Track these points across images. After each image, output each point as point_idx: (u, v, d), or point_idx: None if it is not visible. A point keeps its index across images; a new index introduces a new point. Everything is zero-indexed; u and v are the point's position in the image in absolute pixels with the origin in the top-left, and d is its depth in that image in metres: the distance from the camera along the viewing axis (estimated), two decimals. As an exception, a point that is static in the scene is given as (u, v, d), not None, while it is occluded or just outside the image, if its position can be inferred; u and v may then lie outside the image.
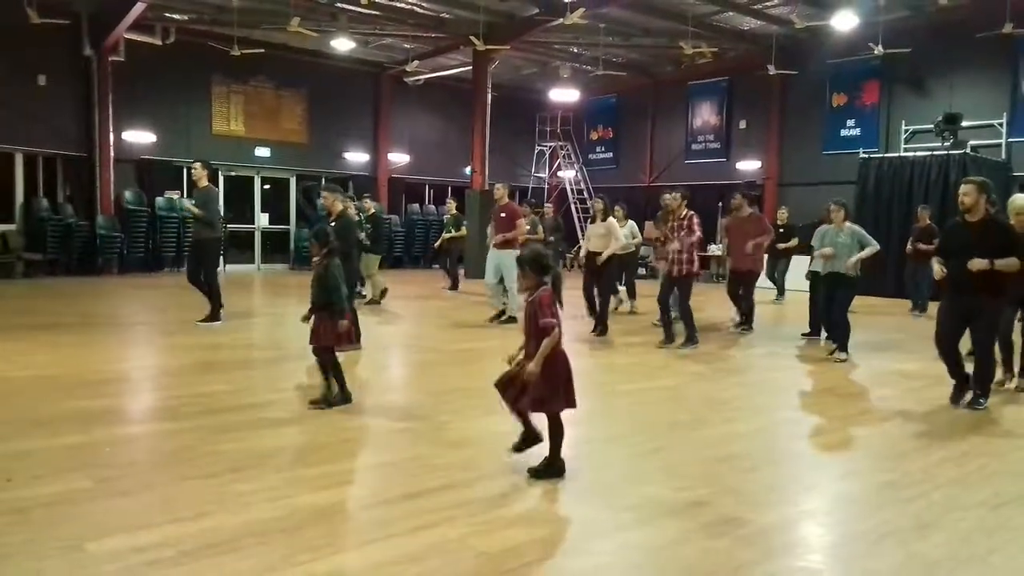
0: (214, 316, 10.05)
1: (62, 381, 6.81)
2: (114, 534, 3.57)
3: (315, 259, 6.11)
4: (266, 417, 5.72)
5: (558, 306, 4.38)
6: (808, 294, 10.19)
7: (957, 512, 4.15)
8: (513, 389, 4.43)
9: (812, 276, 9.69)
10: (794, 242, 13.64)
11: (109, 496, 4.07)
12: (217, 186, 19.48)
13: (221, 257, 18.89)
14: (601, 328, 10.07)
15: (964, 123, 15.99)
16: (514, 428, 4.56)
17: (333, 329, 5.87)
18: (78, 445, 4.91)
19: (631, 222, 12.23)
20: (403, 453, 4.99)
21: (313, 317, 5.94)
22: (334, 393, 5.98)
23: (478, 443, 4.72)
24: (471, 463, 4.53)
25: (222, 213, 9.59)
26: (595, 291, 10.33)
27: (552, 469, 4.44)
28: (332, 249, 6.05)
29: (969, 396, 6.53)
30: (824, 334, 9.61)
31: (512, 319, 10.58)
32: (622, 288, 12.71)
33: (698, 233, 9.19)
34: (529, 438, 4.50)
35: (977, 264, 6.04)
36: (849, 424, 6.16)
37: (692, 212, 9.27)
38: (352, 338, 6.33)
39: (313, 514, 3.88)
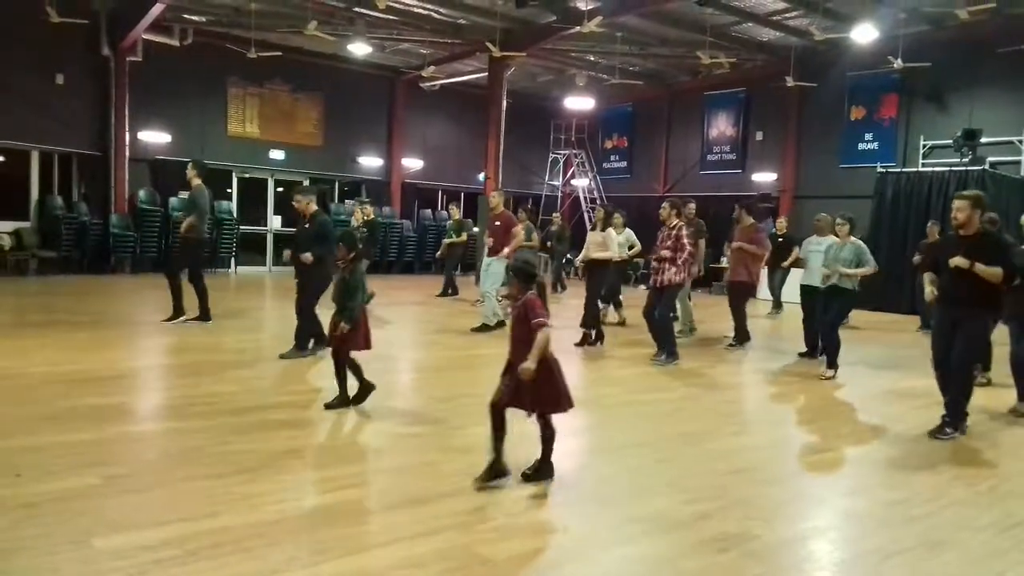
0: (176, 315, 10.04)
1: (74, 378, 6.86)
2: (123, 531, 3.59)
3: (340, 263, 6.19)
4: (276, 418, 5.74)
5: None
6: (802, 311, 9.91)
7: (967, 532, 4.12)
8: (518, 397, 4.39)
9: (807, 290, 9.54)
10: (795, 254, 13.17)
11: (118, 493, 4.09)
12: (231, 187, 19.72)
13: (232, 256, 19.17)
14: (584, 339, 9.80)
15: (983, 139, 15.86)
16: (520, 434, 4.55)
17: (349, 332, 5.98)
18: (89, 442, 4.95)
19: (628, 230, 11.94)
20: (411, 458, 4.99)
21: (332, 320, 6.07)
22: (349, 393, 6.10)
23: (486, 450, 4.71)
24: (478, 470, 4.51)
25: (211, 213, 9.53)
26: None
27: (544, 471, 4.53)
28: (359, 254, 6.18)
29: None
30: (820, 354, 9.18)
31: (486, 327, 10.66)
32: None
33: (688, 248, 8.72)
34: (497, 469, 4.45)
35: (956, 261, 5.80)
36: (858, 440, 6.12)
37: (682, 224, 8.82)
38: (363, 343, 6.34)
39: (320, 517, 3.89)
